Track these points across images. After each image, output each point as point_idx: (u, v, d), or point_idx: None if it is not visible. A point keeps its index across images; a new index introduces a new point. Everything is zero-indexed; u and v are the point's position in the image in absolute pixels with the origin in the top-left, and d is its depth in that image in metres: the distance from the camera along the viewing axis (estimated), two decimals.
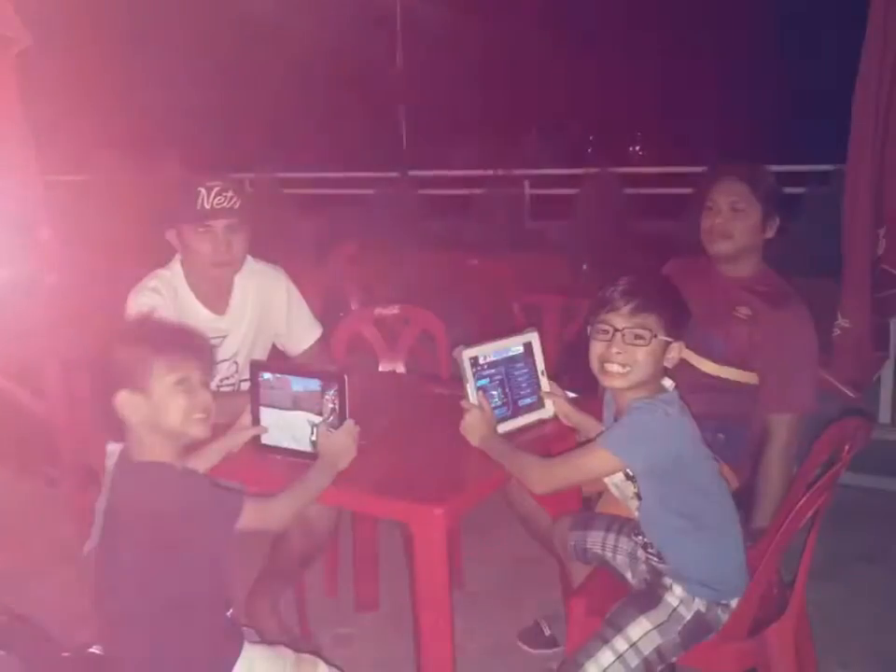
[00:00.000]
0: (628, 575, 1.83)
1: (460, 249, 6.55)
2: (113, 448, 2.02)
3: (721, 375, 2.18)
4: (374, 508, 1.83)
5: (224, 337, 2.18)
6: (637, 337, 1.63)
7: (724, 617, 1.66)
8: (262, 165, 9.36)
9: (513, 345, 1.90)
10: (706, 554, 1.66)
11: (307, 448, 1.74)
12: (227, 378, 2.20)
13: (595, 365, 1.68)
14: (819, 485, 1.60)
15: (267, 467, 1.79)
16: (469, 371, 1.80)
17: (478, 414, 1.78)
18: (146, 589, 1.48)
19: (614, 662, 1.61)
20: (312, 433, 1.73)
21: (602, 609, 1.71)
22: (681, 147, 12.60)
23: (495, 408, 1.83)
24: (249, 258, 2.21)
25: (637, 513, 1.74)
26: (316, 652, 1.80)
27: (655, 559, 1.74)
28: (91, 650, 1.69)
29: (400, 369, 2.82)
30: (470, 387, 1.80)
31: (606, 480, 1.76)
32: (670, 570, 1.69)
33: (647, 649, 1.62)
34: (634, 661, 1.61)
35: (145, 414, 1.50)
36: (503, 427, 1.83)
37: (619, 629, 1.63)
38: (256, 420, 1.80)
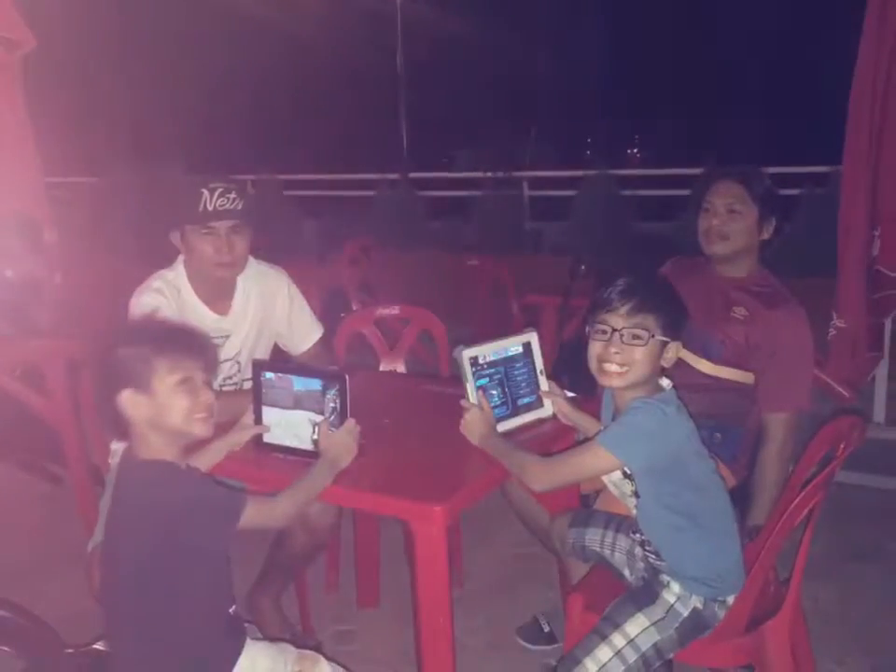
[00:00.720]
0: (626, 572, 1.85)
1: (460, 250, 6.58)
2: (117, 447, 2.04)
3: (718, 375, 2.19)
4: (375, 506, 1.84)
5: (227, 337, 2.20)
6: (635, 337, 1.64)
7: (721, 614, 1.68)
8: (265, 167, 9.39)
9: (512, 345, 1.91)
10: (703, 552, 1.68)
11: (309, 447, 1.75)
12: (229, 378, 2.22)
13: (593, 365, 1.69)
14: (815, 484, 1.61)
15: (269, 465, 1.81)
16: (468, 371, 1.82)
17: (478, 413, 1.79)
18: (149, 586, 1.50)
19: (612, 658, 1.62)
20: (313, 432, 1.74)
21: (600, 605, 1.73)
22: (678, 149, 12.62)
23: (494, 407, 1.84)
24: (251, 258, 2.23)
25: (634, 511, 1.75)
26: (318, 648, 1.82)
27: (653, 556, 1.75)
28: (94, 646, 1.71)
29: (401, 368, 2.84)
30: (470, 387, 1.82)
31: (604, 478, 1.77)
32: (667, 567, 1.70)
33: (644, 645, 1.63)
34: (632, 657, 1.63)
35: (148, 414, 1.52)
36: (502, 426, 1.84)
37: (617, 626, 1.65)
38: (258, 419, 1.81)
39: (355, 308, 4.43)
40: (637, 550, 1.82)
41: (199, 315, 2.16)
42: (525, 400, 1.92)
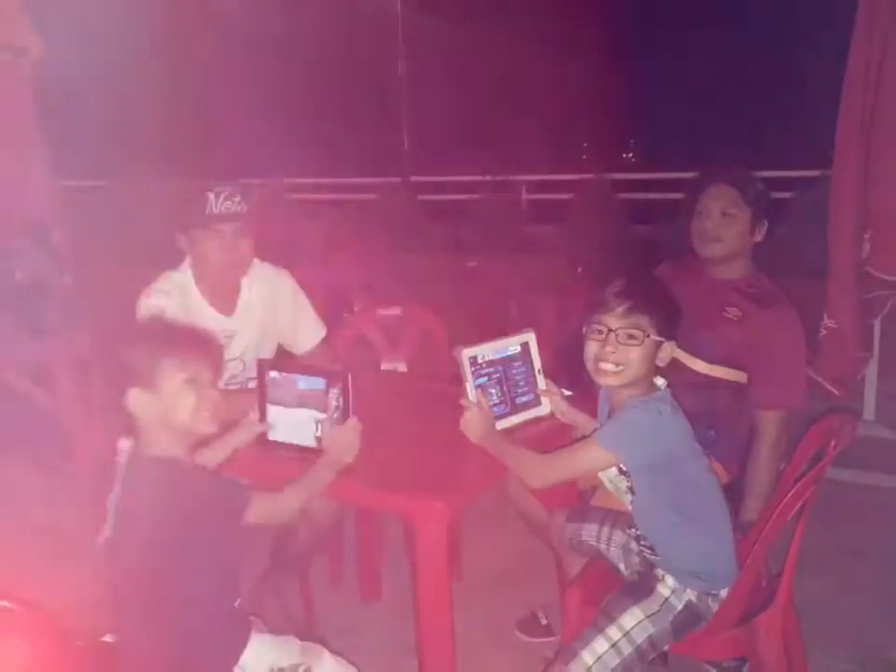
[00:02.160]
0: (621, 566, 1.88)
1: (460, 252, 6.60)
2: (125, 444, 2.08)
3: (712, 374, 2.21)
4: (377, 502, 1.88)
5: (231, 337, 2.24)
6: (631, 337, 1.68)
7: (715, 607, 1.71)
8: (269, 171, 9.42)
9: (511, 345, 1.94)
10: (696, 547, 1.71)
11: (312, 444, 1.79)
12: (234, 376, 2.26)
13: (589, 364, 1.73)
14: (806, 480, 1.64)
15: (273, 462, 1.84)
16: (468, 370, 1.84)
17: (477, 412, 1.81)
18: (156, 581, 1.52)
19: (608, 650, 1.66)
20: (317, 430, 1.78)
21: (597, 599, 1.76)
22: (672, 153, 12.65)
23: (493, 406, 1.87)
24: (256, 260, 2.27)
25: (630, 507, 1.79)
26: (321, 641, 1.85)
27: (648, 551, 1.79)
28: (103, 638, 1.74)
29: (402, 367, 2.87)
30: (469, 386, 1.84)
31: (600, 475, 1.81)
32: (662, 562, 1.74)
33: (640, 637, 1.67)
34: (627, 649, 1.66)
35: (155, 412, 1.55)
36: (501, 424, 1.87)
37: (613, 618, 1.68)
38: (263, 417, 1.85)
39: (356, 309, 4.46)
40: (633, 545, 1.85)
41: (204, 315, 2.20)
42: (524, 399, 1.95)
